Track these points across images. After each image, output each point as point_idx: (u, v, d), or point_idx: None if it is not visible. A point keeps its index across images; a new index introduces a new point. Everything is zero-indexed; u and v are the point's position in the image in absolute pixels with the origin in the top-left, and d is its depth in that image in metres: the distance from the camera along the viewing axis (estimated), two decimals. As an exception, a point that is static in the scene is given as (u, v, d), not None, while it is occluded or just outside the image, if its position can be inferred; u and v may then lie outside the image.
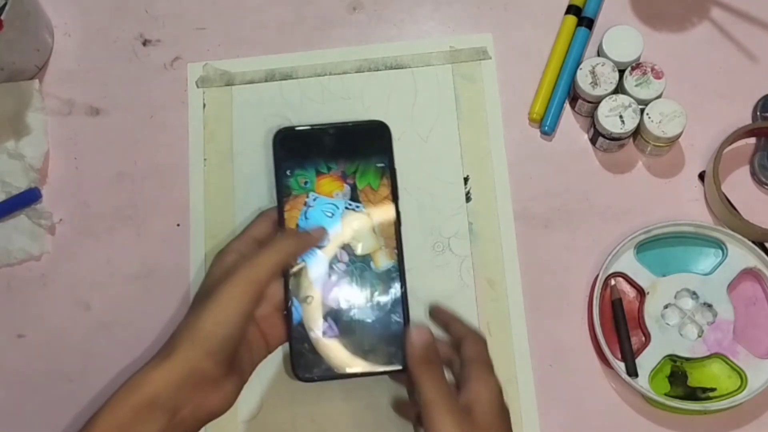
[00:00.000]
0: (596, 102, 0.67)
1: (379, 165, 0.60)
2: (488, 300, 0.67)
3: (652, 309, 0.65)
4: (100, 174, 0.71)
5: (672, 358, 0.64)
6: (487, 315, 0.66)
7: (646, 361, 0.63)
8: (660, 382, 0.64)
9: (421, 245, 0.68)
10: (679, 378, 0.64)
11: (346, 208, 0.59)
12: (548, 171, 0.70)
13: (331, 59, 0.73)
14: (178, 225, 0.69)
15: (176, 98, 0.73)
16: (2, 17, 0.65)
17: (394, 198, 0.61)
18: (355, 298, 0.59)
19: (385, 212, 0.60)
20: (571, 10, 0.72)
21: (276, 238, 0.58)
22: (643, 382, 0.63)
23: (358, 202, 0.60)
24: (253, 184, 0.70)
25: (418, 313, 0.66)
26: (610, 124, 0.66)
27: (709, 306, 0.64)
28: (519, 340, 0.66)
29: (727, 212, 0.66)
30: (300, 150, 0.60)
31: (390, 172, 0.61)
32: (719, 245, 0.66)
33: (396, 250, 0.59)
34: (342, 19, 0.74)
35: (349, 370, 0.58)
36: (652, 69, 0.67)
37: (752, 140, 0.69)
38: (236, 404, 0.63)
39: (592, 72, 0.67)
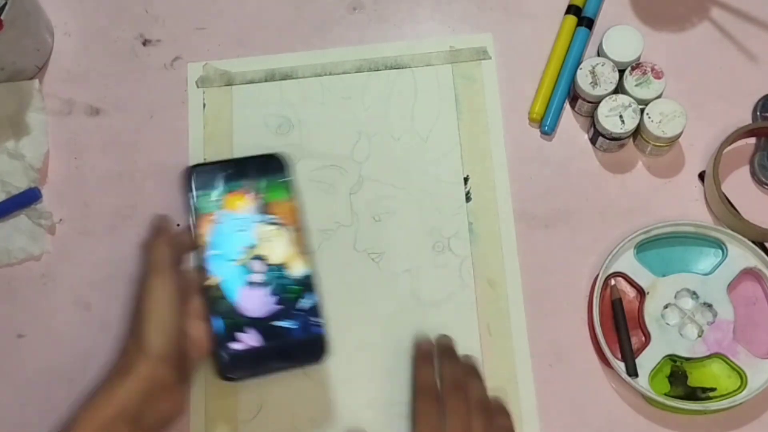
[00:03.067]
0: (596, 102, 0.67)
1: (283, 180, 0.60)
2: (488, 300, 0.67)
3: (652, 309, 0.65)
4: (100, 174, 0.71)
5: (672, 358, 0.64)
6: (487, 315, 0.66)
7: (646, 361, 0.63)
8: (660, 382, 0.64)
9: (421, 245, 0.68)
10: (679, 378, 0.64)
11: (259, 221, 0.59)
12: (548, 171, 0.70)
13: (331, 59, 0.73)
14: (178, 225, 0.69)
15: (176, 98, 0.73)
16: (2, 17, 0.65)
17: (301, 208, 0.60)
18: (272, 305, 0.58)
19: (296, 221, 0.59)
20: (571, 10, 0.72)
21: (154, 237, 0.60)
22: (643, 382, 0.63)
23: (269, 213, 0.59)
24: None
25: (418, 315, 0.66)
26: (610, 124, 0.66)
27: (709, 306, 0.64)
28: (519, 340, 0.66)
29: (727, 212, 0.66)
30: (209, 181, 0.60)
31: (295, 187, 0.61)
32: (719, 245, 0.66)
33: (309, 256, 0.59)
34: (342, 19, 0.74)
35: (269, 372, 0.59)
36: (652, 69, 0.67)
37: (752, 140, 0.69)
38: (236, 404, 0.63)
39: (592, 72, 0.67)
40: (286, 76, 0.73)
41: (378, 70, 0.73)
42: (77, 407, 0.55)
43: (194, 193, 0.60)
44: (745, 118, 0.70)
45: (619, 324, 0.64)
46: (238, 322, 0.57)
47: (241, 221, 0.58)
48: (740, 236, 0.65)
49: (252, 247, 0.59)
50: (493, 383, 0.64)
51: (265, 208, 0.59)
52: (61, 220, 0.70)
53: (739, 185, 0.68)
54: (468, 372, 0.62)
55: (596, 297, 0.64)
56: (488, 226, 0.68)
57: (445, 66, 0.72)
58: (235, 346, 0.57)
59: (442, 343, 0.64)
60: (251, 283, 0.58)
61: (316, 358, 0.58)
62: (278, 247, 0.59)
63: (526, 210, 0.69)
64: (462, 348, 0.65)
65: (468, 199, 0.69)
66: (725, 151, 0.67)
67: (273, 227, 0.59)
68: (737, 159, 0.69)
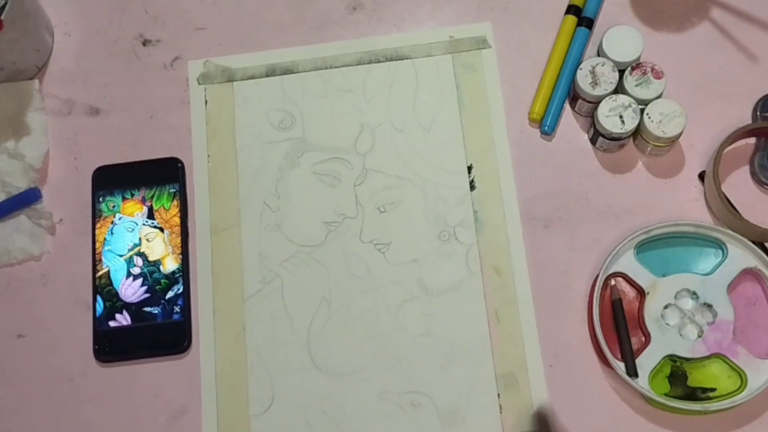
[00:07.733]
0: (596, 102, 0.67)
1: (172, 190, 0.69)
2: (496, 287, 0.67)
3: (652, 309, 0.65)
4: (100, 174, 0.71)
5: (672, 358, 0.64)
6: (495, 302, 0.66)
7: (646, 361, 0.63)
8: (660, 382, 0.64)
9: (427, 235, 0.68)
10: (679, 378, 0.64)
11: (144, 224, 0.69)
12: (548, 171, 0.70)
13: (331, 52, 0.73)
14: None
15: (176, 98, 0.73)
16: (2, 17, 0.65)
17: (183, 215, 0.69)
18: (146, 294, 0.67)
19: (174, 227, 0.69)
20: (571, 9, 0.72)
21: None
22: (643, 382, 0.63)
23: (153, 219, 0.69)
24: (257, 179, 0.70)
25: (426, 304, 0.66)
26: (610, 124, 0.66)
27: (709, 306, 0.64)
28: (527, 327, 0.66)
29: (727, 212, 0.66)
30: (112, 181, 0.70)
31: (181, 196, 0.69)
32: (719, 245, 0.66)
33: (181, 256, 0.68)
34: (342, 18, 0.74)
35: (141, 353, 0.67)
36: (652, 69, 0.67)
37: (752, 140, 0.69)
38: (248, 399, 0.65)
39: (592, 72, 0.67)
40: (286, 71, 0.73)
41: (378, 61, 0.73)
42: None
43: (98, 194, 0.70)
44: (745, 118, 0.70)
45: (619, 324, 0.64)
46: (116, 305, 0.67)
47: (131, 223, 0.69)
48: (740, 236, 0.65)
49: (136, 245, 0.69)
50: (503, 370, 0.65)
51: (152, 212, 0.69)
52: (61, 220, 0.70)
53: (739, 185, 0.68)
54: None
55: (596, 297, 0.64)
56: (493, 213, 0.68)
57: (446, 56, 0.73)
58: (112, 323, 0.67)
59: None
60: (132, 276, 0.68)
61: (179, 343, 0.66)
62: (156, 246, 0.68)
63: (526, 210, 0.69)
64: (471, 335, 0.65)
65: (472, 187, 0.69)
66: (725, 151, 0.67)
67: (154, 229, 0.69)
68: (737, 159, 0.69)
